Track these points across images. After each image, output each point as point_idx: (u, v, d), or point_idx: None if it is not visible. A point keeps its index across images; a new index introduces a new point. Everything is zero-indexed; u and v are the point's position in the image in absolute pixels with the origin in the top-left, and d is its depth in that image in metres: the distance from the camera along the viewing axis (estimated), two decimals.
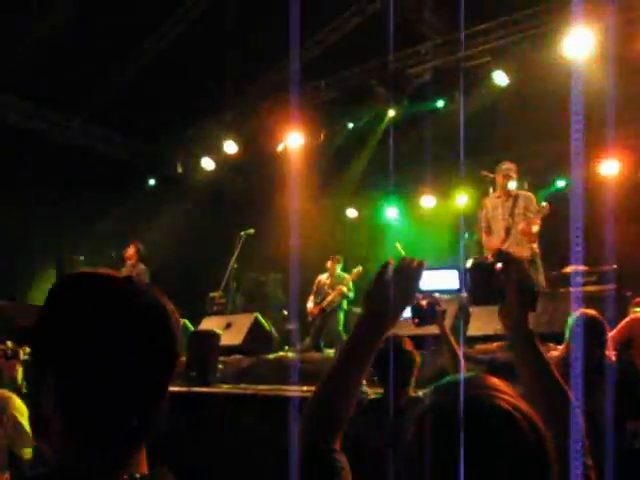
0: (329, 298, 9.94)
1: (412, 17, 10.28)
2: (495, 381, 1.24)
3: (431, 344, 5.08)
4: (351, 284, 10.03)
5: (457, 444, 1.12)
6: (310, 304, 10.16)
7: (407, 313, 1.88)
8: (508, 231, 7.40)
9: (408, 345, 3.70)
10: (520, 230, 7.26)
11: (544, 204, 7.25)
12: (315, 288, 10.26)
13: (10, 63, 10.71)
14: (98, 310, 1.12)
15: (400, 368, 3.60)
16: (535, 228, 7.18)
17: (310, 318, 10.11)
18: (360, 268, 10.05)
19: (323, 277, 10.27)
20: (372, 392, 3.68)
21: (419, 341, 4.34)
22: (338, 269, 10.22)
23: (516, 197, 7.58)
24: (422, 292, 1.65)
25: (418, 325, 3.05)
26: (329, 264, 10.24)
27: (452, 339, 3.48)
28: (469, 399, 1.18)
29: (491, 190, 8.05)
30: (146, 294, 1.17)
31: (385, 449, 2.92)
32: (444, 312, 3.26)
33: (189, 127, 12.75)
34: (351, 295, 10.05)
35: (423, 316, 3.00)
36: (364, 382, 3.68)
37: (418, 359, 3.70)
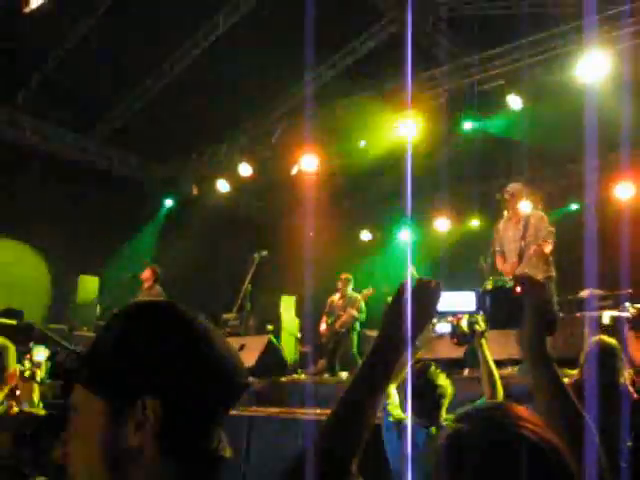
0: (342, 319, 9.90)
1: (427, 40, 10.34)
2: (521, 410, 1.23)
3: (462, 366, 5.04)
4: (363, 305, 10.00)
5: (481, 474, 1.11)
6: (323, 325, 10.14)
7: (445, 329, 1.87)
8: (521, 255, 7.34)
9: (442, 378, 3.65)
10: (533, 252, 7.19)
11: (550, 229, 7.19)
12: (327, 309, 10.24)
13: (27, 84, 10.86)
14: (184, 339, 1.12)
15: (431, 398, 3.56)
16: (548, 248, 7.12)
17: (323, 339, 10.08)
18: (371, 289, 10.02)
19: (335, 297, 10.25)
20: (404, 416, 3.63)
21: (451, 363, 4.30)
22: (349, 289, 10.20)
23: (527, 218, 7.51)
24: (439, 314, 1.63)
25: (457, 344, 3.01)
26: (339, 284, 10.23)
27: (492, 362, 3.44)
28: (493, 428, 1.16)
29: (505, 213, 8.02)
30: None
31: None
32: (484, 332, 3.21)
33: (205, 149, 12.81)
34: (362, 317, 10.01)
35: (462, 335, 2.96)
36: (396, 405, 3.65)
37: (450, 391, 3.65)
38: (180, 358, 1.10)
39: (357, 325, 10.07)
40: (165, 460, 1.08)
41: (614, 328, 6.35)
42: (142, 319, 1.15)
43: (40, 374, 6.83)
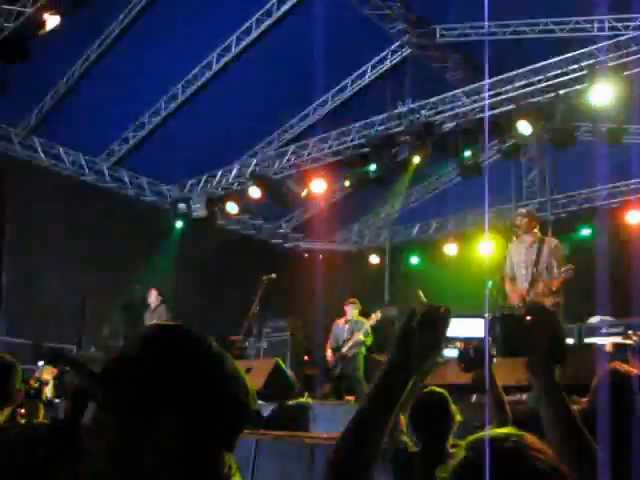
0: (349, 344, 9.85)
1: (436, 66, 10.41)
2: (531, 439, 1.22)
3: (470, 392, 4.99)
4: (369, 329, 9.94)
5: None
6: (329, 352, 10.09)
7: (452, 353, 1.86)
8: (533, 281, 7.27)
9: (449, 402, 3.63)
10: (555, 288, 7.11)
11: (569, 266, 7.08)
12: (332, 333, 10.19)
13: (41, 107, 10.97)
14: (197, 362, 1.14)
15: (439, 425, 3.54)
16: (556, 286, 7.07)
17: (330, 365, 10.03)
18: (379, 314, 9.95)
19: (340, 321, 10.21)
20: (412, 444, 3.61)
21: (459, 389, 4.27)
22: (355, 313, 10.14)
23: (540, 244, 7.44)
24: (448, 339, 1.62)
25: (464, 370, 2.99)
26: (346, 308, 10.17)
27: (499, 388, 3.41)
28: (504, 457, 1.15)
29: (514, 237, 7.97)
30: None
31: None
32: (492, 357, 3.19)
33: (215, 172, 12.87)
34: (369, 340, 9.94)
35: (470, 361, 2.94)
36: (404, 432, 3.62)
37: (459, 417, 3.63)
38: (194, 380, 1.11)
39: (363, 349, 10.01)
40: None
41: (617, 356, 6.30)
42: (158, 341, 1.17)
43: (46, 393, 6.83)
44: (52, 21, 8.47)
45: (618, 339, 7.01)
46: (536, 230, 7.56)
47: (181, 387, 1.09)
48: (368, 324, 9.91)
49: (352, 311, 10.10)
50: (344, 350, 9.83)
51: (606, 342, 6.78)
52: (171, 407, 1.08)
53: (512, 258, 7.56)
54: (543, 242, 7.43)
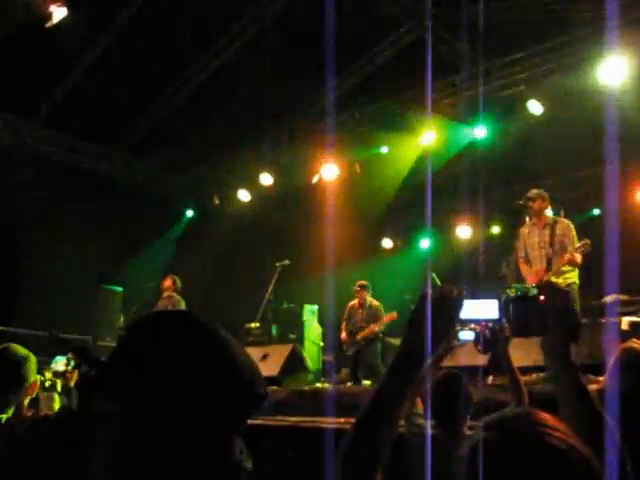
0: (364, 333, 9.85)
1: (446, 48, 10.33)
2: (548, 418, 1.23)
3: (486, 374, 4.99)
4: (382, 314, 9.93)
5: None
6: (343, 334, 10.11)
7: (468, 336, 1.87)
8: (549, 261, 7.27)
9: (465, 383, 3.64)
10: (567, 261, 7.11)
11: (585, 241, 7.08)
12: (346, 316, 10.18)
13: (50, 97, 10.99)
14: (203, 348, 1.13)
15: (457, 407, 3.55)
16: (579, 258, 7.06)
17: (344, 347, 10.07)
18: (395, 313, 9.90)
19: (355, 304, 10.17)
20: (429, 426, 3.62)
21: (473, 371, 4.28)
22: (368, 297, 10.12)
23: (554, 225, 7.44)
24: (462, 322, 1.63)
25: (482, 352, 2.99)
26: (357, 293, 10.13)
27: (516, 369, 3.42)
28: (521, 436, 1.16)
29: (527, 219, 7.95)
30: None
31: None
32: (508, 339, 3.19)
33: (225, 160, 12.87)
34: (380, 329, 9.97)
35: (486, 342, 2.93)
36: (421, 415, 3.63)
37: (473, 399, 3.64)
38: (201, 366, 1.11)
39: (380, 334, 10.02)
40: (189, 468, 1.09)
41: (633, 334, 6.28)
42: (162, 328, 1.16)
43: (60, 384, 6.87)
44: (59, 13, 8.49)
45: (634, 317, 7.00)
46: (548, 210, 7.56)
47: (189, 373, 1.09)
48: (384, 315, 9.91)
49: (367, 295, 10.12)
50: (359, 337, 9.85)
51: (622, 320, 6.76)
52: (179, 394, 1.08)
53: (525, 240, 7.56)
54: (556, 222, 7.45)
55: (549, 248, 7.32)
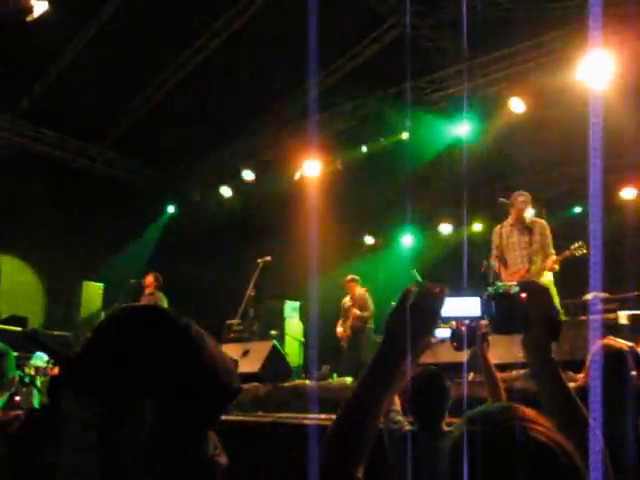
0: (348, 322, 9.98)
1: (429, 45, 10.35)
2: (529, 412, 1.23)
3: (466, 370, 5.00)
4: (370, 304, 10.08)
5: (490, 475, 1.11)
6: (339, 328, 10.25)
7: (445, 334, 1.87)
8: (530, 261, 7.38)
9: (444, 379, 3.65)
10: (547, 266, 7.26)
11: (579, 243, 7.22)
12: (343, 312, 10.34)
13: (31, 92, 10.89)
14: (175, 343, 1.12)
15: (435, 403, 3.55)
16: (557, 266, 7.20)
17: (341, 343, 10.22)
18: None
19: (346, 299, 10.32)
20: (407, 423, 3.63)
21: (452, 368, 4.29)
22: (357, 289, 10.23)
23: (532, 226, 7.55)
24: (443, 319, 1.63)
25: (457, 349, 2.99)
26: (348, 286, 10.27)
27: (492, 365, 3.43)
28: (503, 429, 1.16)
29: (507, 219, 8.01)
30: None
31: None
32: (485, 336, 3.20)
33: (207, 156, 12.83)
34: (366, 314, 10.05)
35: (461, 340, 2.93)
36: (399, 412, 3.64)
37: (452, 395, 3.65)
38: (172, 361, 1.09)
39: (369, 325, 10.13)
40: (161, 464, 1.07)
41: (633, 328, 6.36)
42: (133, 323, 1.15)
43: (40, 380, 6.81)
44: (39, 7, 8.41)
45: (633, 311, 7.05)
46: (528, 211, 7.67)
47: (159, 368, 1.08)
48: (368, 298, 10.09)
49: (354, 287, 10.21)
50: (348, 328, 10.01)
51: (619, 314, 6.81)
52: (150, 389, 1.06)
53: (502, 240, 7.65)
54: (534, 223, 7.57)
55: (530, 248, 7.41)
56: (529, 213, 7.74)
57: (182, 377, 1.08)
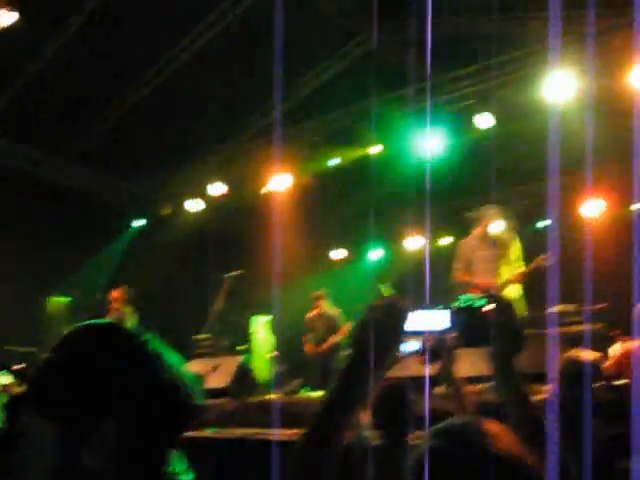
0: (327, 345, 9.96)
1: (396, 61, 10.42)
2: (493, 426, 1.25)
3: (432, 384, 5.02)
4: (339, 323, 10.03)
5: None
6: (307, 345, 10.27)
7: (413, 347, 1.88)
8: (498, 275, 7.47)
9: (410, 393, 3.66)
10: (513, 278, 7.35)
11: (548, 254, 7.35)
12: (308, 327, 10.33)
13: None
14: (133, 361, 1.12)
15: (400, 417, 3.55)
16: (522, 278, 7.33)
17: (311, 359, 10.19)
18: (349, 325, 9.93)
19: (313, 315, 10.27)
20: (374, 437, 3.63)
21: (419, 381, 4.32)
22: (326, 306, 10.20)
23: (499, 239, 7.66)
24: (408, 333, 1.65)
25: (426, 363, 3.01)
26: (315, 303, 10.23)
27: (458, 379, 3.45)
28: (467, 444, 1.18)
29: (474, 231, 8.08)
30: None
31: None
32: (451, 349, 3.22)
33: (175, 169, 12.77)
34: (337, 339, 10.03)
35: (430, 353, 2.95)
36: (367, 427, 3.63)
37: (419, 406, 3.66)
38: (129, 379, 1.09)
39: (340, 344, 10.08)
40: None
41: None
42: (90, 342, 1.15)
43: (4, 398, 6.70)
44: (8, 17, 8.35)
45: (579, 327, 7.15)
46: (495, 226, 7.76)
47: (116, 386, 1.08)
48: (343, 325, 9.97)
49: (324, 305, 10.17)
50: (322, 349, 10.02)
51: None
52: (108, 408, 1.06)
53: (468, 253, 7.73)
54: (501, 237, 7.67)
55: (498, 261, 7.50)
56: (498, 226, 7.83)
57: (139, 395, 1.08)
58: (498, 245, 7.63)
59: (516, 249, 7.61)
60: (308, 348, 10.20)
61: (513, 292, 7.40)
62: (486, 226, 7.69)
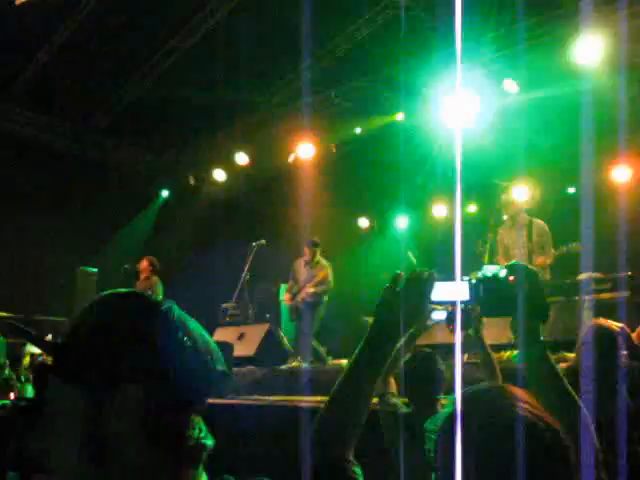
0: (301, 294, 9.50)
1: (422, 25, 10.28)
2: (519, 391, 1.26)
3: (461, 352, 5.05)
4: (329, 275, 9.57)
5: (481, 454, 1.13)
6: (286, 295, 9.82)
7: (440, 316, 1.89)
8: (530, 256, 7.62)
9: (438, 362, 3.67)
10: (538, 263, 7.49)
11: (575, 244, 7.44)
12: (292, 272, 9.85)
13: (23, 75, 10.82)
14: (158, 327, 1.13)
15: (430, 385, 3.57)
16: (549, 261, 7.57)
17: (290, 312, 9.79)
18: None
19: (300, 260, 9.81)
20: (402, 405, 3.65)
21: (448, 349, 4.33)
22: (318, 255, 9.71)
23: (530, 226, 7.81)
24: (432, 304, 1.65)
25: (452, 331, 3.01)
26: (305, 249, 9.71)
27: (488, 347, 3.46)
28: (493, 409, 1.18)
29: (504, 219, 8.17)
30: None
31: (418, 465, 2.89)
32: (480, 317, 3.22)
33: (201, 139, 12.79)
34: (320, 290, 9.51)
35: (458, 321, 2.93)
36: (394, 394, 3.66)
37: (448, 376, 3.67)
38: (154, 345, 1.11)
39: (324, 298, 9.63)
40: (148, 448, 1.09)
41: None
42: (116, 308, 1.16)
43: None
44: None
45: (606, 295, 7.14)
46: (524, 211, 7.95)
47: (142, 352, 1.09)
48: (329, 272, 9.57)
49: (316, 253, 9.71)
50: (299, 299, 9.55)
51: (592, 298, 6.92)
52: (132, 375, 1.08)
53: (504, 241, 7.93)
54: (532, 223, 7.81)
55: (529, 244, 7.69)
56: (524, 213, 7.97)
57: (163, 362, 1.09)
58: (528, 232, 7.79)
59: (547, 236, 7.78)
60: (285, 298, 9.85)
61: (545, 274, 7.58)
62: (517, 212, 7.90)
